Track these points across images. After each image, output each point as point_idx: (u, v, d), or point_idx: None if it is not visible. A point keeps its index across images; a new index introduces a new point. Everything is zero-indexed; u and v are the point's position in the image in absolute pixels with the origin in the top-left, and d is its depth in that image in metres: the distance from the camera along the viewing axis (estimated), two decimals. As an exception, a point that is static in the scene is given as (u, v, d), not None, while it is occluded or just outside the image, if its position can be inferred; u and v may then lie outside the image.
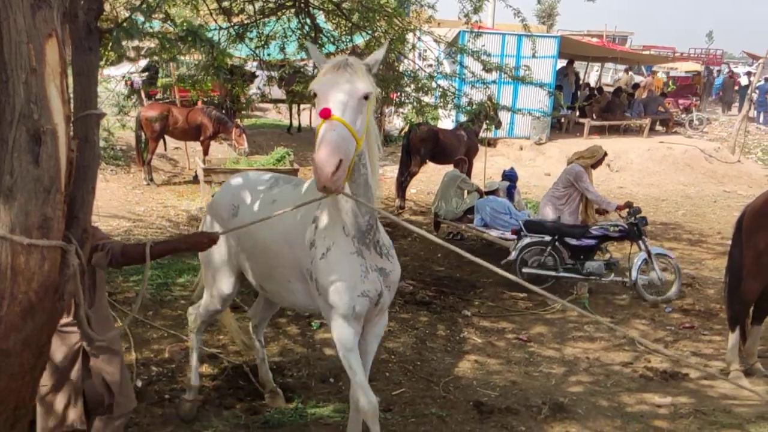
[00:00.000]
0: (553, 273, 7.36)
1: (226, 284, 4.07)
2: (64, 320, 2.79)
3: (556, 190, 7.95)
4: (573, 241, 7.36)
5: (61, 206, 2.28)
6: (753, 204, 5.34)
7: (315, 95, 2.85)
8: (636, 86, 21.44)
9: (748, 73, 25.00)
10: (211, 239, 3.16)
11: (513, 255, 7.37)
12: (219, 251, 4.00)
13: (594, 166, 8.01)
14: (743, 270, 5.22)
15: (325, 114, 2.68)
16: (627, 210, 7.45)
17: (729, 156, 16.74)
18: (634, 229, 7.26)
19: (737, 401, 4.79)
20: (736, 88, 25.40)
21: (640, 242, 7.30)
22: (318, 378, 4.88)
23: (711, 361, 5.68)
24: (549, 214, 7.82)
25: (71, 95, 2.42)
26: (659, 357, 5.78)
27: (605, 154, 8.17)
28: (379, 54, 3.03)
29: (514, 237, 7.72)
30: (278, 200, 3.66)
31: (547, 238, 7.35)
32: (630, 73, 24.57)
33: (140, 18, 4.86)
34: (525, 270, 7.26)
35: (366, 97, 2.82)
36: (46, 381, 2.80)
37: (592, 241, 7.36)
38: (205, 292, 4.27)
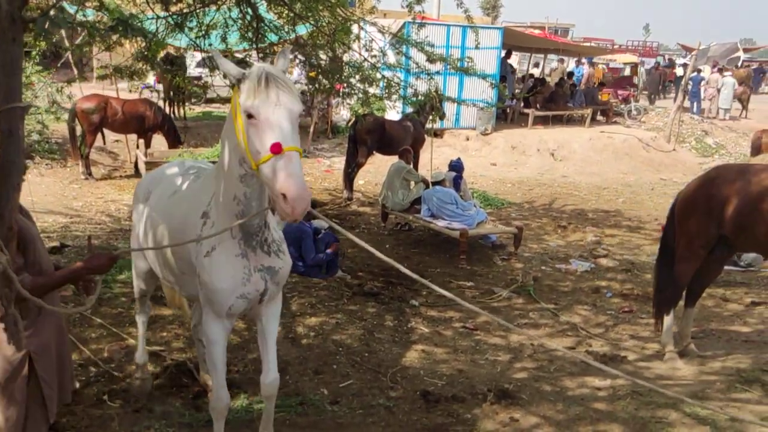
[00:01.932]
0: None
1: (140, 263, 4.18)
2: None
3: None
4: None
5: (-17, 204, 2.17)
6: (684, 191, 5.51)
7: (250, 116, 2.61)
8: (570, 74, 21.93)
9: (684, 65, 25.87)
10: (110, 259, 2.95)
11: None
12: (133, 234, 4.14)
13: None
14: (677, 254, 5.41)
15: (278, 149, 2.53)
16: None
17: (665, 145, 17.36)
18: None
19: (672, 381, 4.99)
20: (671, 80, 26.30)
21: None
22: (264, 373, 4.82)
23: (648, 344, 5.88)
24: None
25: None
26: (600, 341, 5.96)
27: None
28: (284, 63, 2.88)
29: (462, 227, 7.67)
30: (179, 192, 3.57)
31: None
32: (564, 63, 25.15)
33: (73, 7, 4.67)
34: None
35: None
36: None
37: None
38: None
